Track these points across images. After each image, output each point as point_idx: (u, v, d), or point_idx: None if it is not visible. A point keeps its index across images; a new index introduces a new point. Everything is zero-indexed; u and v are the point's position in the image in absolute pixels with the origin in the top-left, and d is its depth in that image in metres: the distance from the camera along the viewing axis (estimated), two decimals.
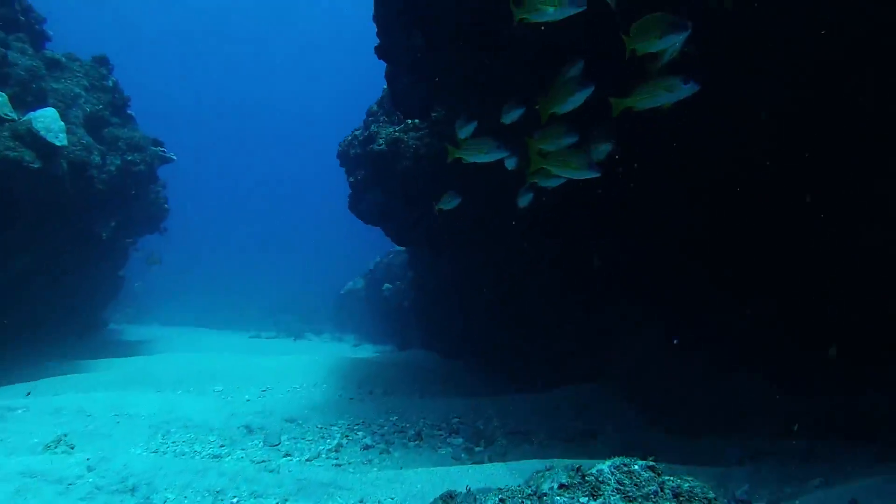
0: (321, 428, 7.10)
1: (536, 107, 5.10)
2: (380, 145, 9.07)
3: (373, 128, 9.71)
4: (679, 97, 4.23)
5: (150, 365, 11.47)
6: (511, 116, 5.94)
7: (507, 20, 6.05)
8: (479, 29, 6.24)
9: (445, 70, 6.75)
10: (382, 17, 7.05)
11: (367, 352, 16.64)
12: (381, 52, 7.44)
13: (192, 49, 68.27)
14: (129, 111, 14.46)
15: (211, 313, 25.02)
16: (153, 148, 14.18)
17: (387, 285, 16.66)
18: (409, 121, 8.62)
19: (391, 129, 9.13)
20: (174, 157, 14.75)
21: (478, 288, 10.05)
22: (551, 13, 4.21)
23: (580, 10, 4.13)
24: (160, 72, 65.27)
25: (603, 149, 5.48)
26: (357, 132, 10.33)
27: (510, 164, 6.05)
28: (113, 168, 12.82)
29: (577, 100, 4.75)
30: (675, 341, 7.05)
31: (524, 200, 6.36)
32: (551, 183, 5.56)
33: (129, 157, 13.34)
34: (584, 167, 4.86)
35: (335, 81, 59.26)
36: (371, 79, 8.08)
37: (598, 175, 4.81)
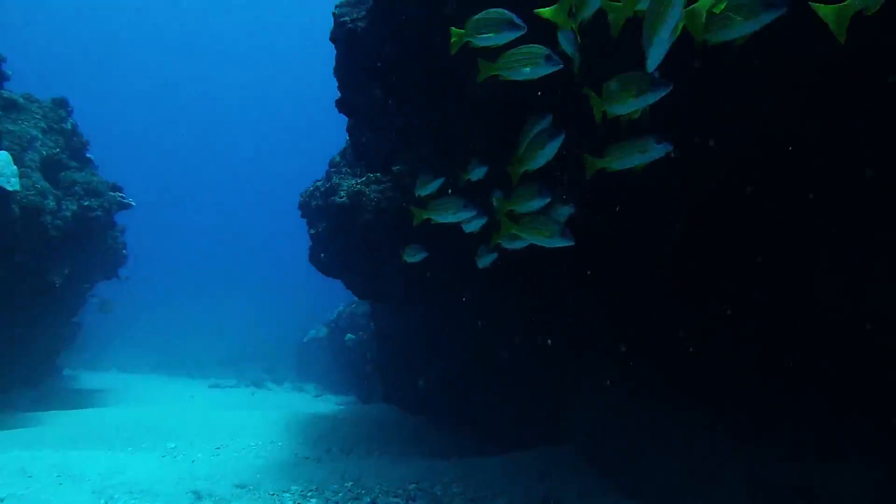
0: (273, 495, 6.79)
1: (508, 167, 4.97)
2: (341, 198, 8.92)
3: (335, 179, 9.56)
4: (653, 157, 4.16)
5: (101, 419, 11.08)
6: (477, 174, 5.81)
7: (473, 77, 6.00)
8: (443, 85, 6.16)
9: (407, 125, 6.65)
10: (343, 70, 6.96)
11: (329, 403, 16.28)
12: (342, 105, 7.33)
13: (155, 93, 68.18)
14: (88, 155, 14.18)
15: (171, 359, 24.42)
16: (112, 193, 13.88)
17: (350, 335, 16.38)
18: (372, 174, 8.49)
19: (353, 182, 8.98)
20: (133, 203, 14.45)
21: (439, 343, 9.86)
22: (527, 72, 4.11)
23: (557, 68, 4.04)
24: (123, 114, 64.98)
25: (562, 212, 5.37)
26: (319, 183, 10.18)
27: (474, 226, 5.85)
28: (69, 213, 12.49)
29: (549, 152, 4.61)
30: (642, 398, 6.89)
31: (485, 261, 6.19)
32: (517, 245, 5.41)
33: (87, 203, 13.02)
34: (557, 235, 4.71)
35: (299, 128, 59.36)
36: (337, 127, 7.96)
37: (571, 244, 4.66)
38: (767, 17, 3.25)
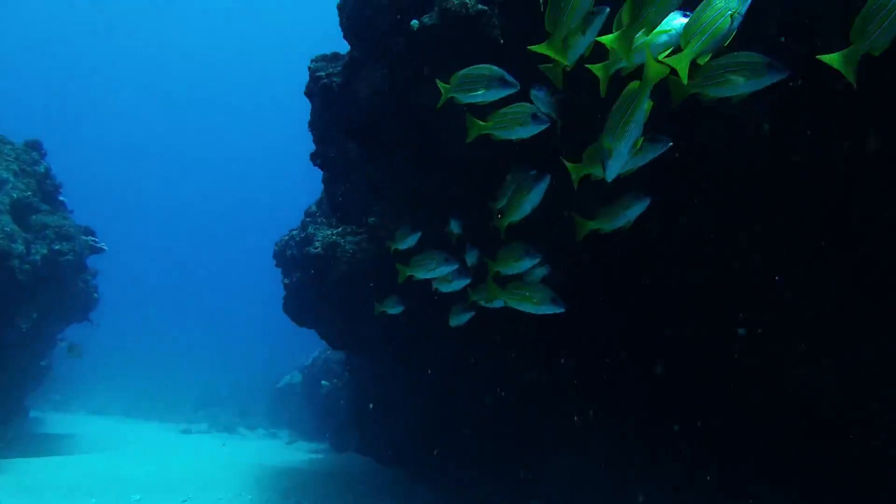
0: None
1: (493, 221, 4.87)
2: (316, 248, 8.82)
3: (310, 229, 9.47)
4: (637, 213, 4.16)
5: (63, 468, 10.77)
6: (455, 227, 5.73)
7: (451, 134, 5.98)
8: (419, 142, 6.13)
9: (382, 181, 6.59)
10: (318, 125, 6.92)
11: (301, 450, 15.97)
12: (316, 159, 7.29)
13: (133, 138, 68.18)
14: (61, 198, 14.00)
15: (142, 401, 23.93)
16: (84, 237, 13.69)
17: (324, 382, 16.15)
18: (347, 226, 8.42)
19: (329, 232, 8.89)
20: (105, 248, 14.26)
21: (415, 395, 9.70)
22: (519, 131, 4.03)
23: (545, 126, 3.98)
24: (100, 158, 64.84)
25: (538, 273, 5.31)
26: (294, 232, 10.09)
27: (455, 286, 5.73)
28: (38, 258, 12.27)
29: (535, 197, 4.46)
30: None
31: (459, 320, 6.08)
32: (496, 304, 5.29)
33: (57, 247, 12.80)
34: (547, 302, 4.56)
35: (275, 174, 59.44)
36: (315, 175, 7.90)
37: (562, 311, 4.51)
38: (770, 80, 3.21)
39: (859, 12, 2.77)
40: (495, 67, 4.01)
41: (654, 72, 3.08)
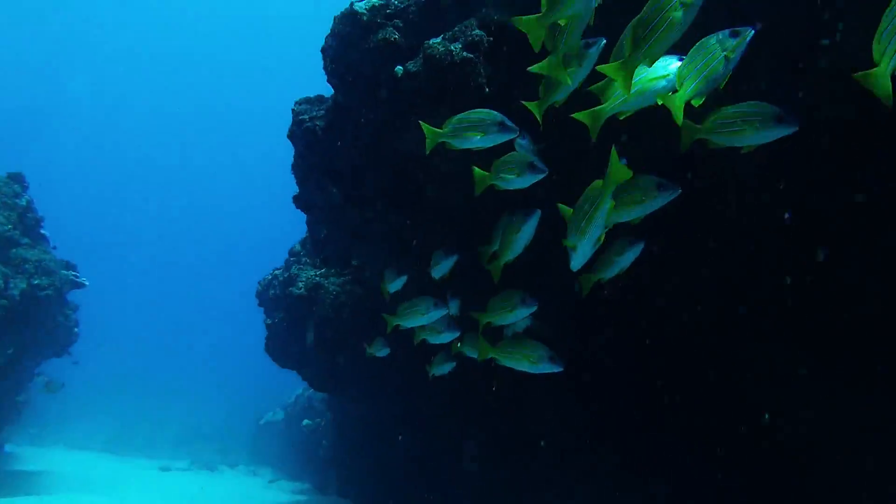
0: None
1: (486, 265, 4.67)
2: (299, 289, 8.69)
3: (293, 269, 9.36)
4: (632, 258, 4.07)
5: None
6: (441, 270, 5.48)
7: (436, 180, 5.88)
8: (403, 186, 6.02)
9: (365, 225, 6.48)
10: (301, 168, 6.81)
11: (283, 490, 15.62)
12: (299, 201, 7.16)
13: (119, 176, 68.00)
14: (42, 231, 13.79)
15: (121, 436, 23.45)
16: (64, 272, 13.47)
17: (307, 421, 15.89)
18: (329, 268, 8.30)
19: (312, 273, 8.77)
20: (86, 283, 14.04)
21: (399, 438, 9.51)
22: (516, 181, 3.90)
23: (542, 175, 3.84)
24: (85, 194, 64.68)
25: (521, 324, 5.19)
26: (278, 272, 9.96)
27: (443, 338, 5.51)
28: (16, 292, 12.03)
29: (527, 233, 4.19)
30: None
31: (441, 370, 5.92)
32: (479, 355, 5.06)
33: (37, 281, 12.58)
34: (545, 361, 4.27)
35: (259, 211, 59.18)
36: (300, 214, 7.76)
37: (560, 370, 4.25)
38: (779, 133, 3.11)
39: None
40: (493, 111, 3.84)
41: (617, 175, 3.13)
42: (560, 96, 3.54)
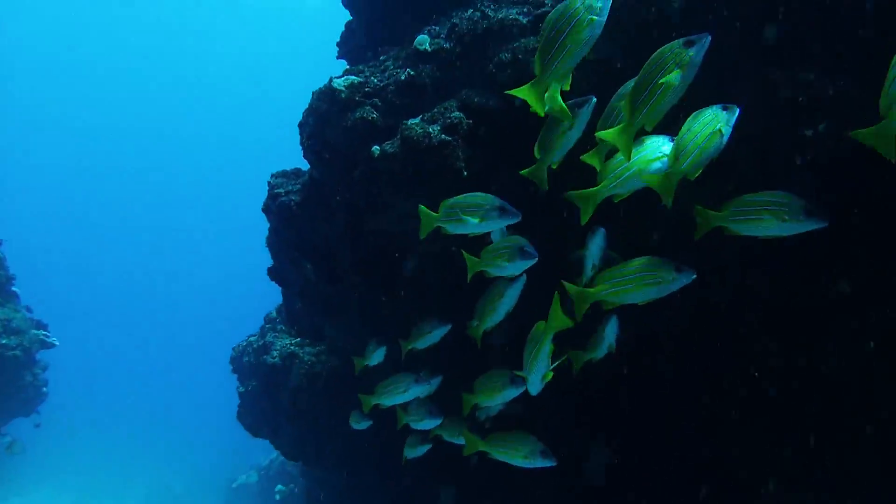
0: None
1: (468, 330, 4.63)
2: (274, 357, 8.55)
3: (269, 337, 9.22)
4: (612, 338, 4.25)
5: None
6: (424, 342, 5.32)
7: (414, 259, 5.82)
8: (378, 265, 5.95)
9: (339, 301, 6.38)
10: (275, 242, 6.74)
11: None
12: (273, 274, 7.08)
13: (94, 223, 67.70)
14: (13, 289, 13.56)
15: (88, 500, 22.77)
16: (34, 331, 13.24)
17: (280, 486, 15.51)
18: (304, 339, 8.18)
19: (287, 342, 8.64)
20: (56, 343, 13.78)
21: None
22: (507, 267, 3.91)
23: (533, 261, 3.85)
24: (59, 252, 64.25)
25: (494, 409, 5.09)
26: (252, 338, 9.82)
27: (426, 425, 5.34)
28: None
29: (510, 299, 4.30)
30: None
31: (415, 452, 5.74)
32: (462, 440, 4.88)
33: (4, 341, 12.37)
34: (537, 456, 4.11)
35: (233, 273, 58.75)
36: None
37: (553, 465, 4.08)
38: (808, 226, 2.99)
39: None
40: (491, 196, 3.82)
41: (557, 322, 3.51)
42: (557, 157, 3.61)
